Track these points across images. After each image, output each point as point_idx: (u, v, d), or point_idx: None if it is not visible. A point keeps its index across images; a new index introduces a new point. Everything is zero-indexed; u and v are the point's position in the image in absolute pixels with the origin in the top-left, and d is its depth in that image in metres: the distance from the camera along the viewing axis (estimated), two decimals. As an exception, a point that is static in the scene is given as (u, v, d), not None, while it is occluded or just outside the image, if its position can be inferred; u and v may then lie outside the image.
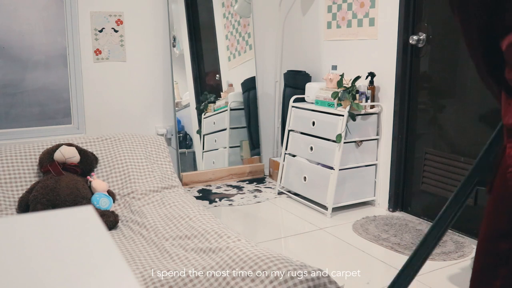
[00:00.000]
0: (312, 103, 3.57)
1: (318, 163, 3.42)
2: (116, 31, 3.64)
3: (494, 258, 0.86)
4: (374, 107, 3.37)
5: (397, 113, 3.25)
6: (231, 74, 4.17)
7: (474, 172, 1.10)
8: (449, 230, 2.99)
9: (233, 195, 3.74)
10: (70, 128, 3.61)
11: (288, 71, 4.03)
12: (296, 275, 1.70)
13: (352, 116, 3.19)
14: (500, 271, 0.84)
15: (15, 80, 3.43)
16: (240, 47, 4.17)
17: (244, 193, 3.79)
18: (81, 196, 2.60)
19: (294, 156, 3.65)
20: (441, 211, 1.10)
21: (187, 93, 4.00)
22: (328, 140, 3.32)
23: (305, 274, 1.71)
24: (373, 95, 3.33)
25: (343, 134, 3.19)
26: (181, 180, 3.87)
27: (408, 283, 1.11)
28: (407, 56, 3.19)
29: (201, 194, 3.74)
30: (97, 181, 2.74)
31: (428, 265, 2.54)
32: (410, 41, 3.11)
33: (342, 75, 3.34)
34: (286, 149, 3.71)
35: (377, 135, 3.41)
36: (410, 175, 3.30)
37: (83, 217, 0.78)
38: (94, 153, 3.01)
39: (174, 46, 3.89)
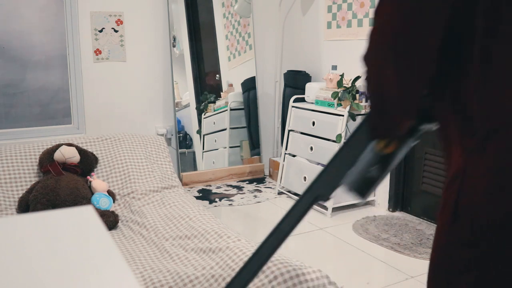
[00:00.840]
0: (312, 103, 3.57)
1: (318, 163, 3.42)
2: (116, 31, 3.64)
3: (457, 265, 0.84)
4: (374, 107, 3.36)
5: (397, 113, 3.25)
6: (231, 74, 4.17)
7: (316, 185, 1.03)
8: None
9: (233, 195, 3.74)
10: (70, 128, 3.61)
11: (288, 71, 4.03)
12: (296, 275, 1.70)
13: (352, 116, 3.19)
14: (464, 278, 0.83)
15: (15, 80, 3.43)
16: (240, 47, 4.17)
17: (244, 193, 3.79)
18: (81, 196, 2.60)
19: (294, 156, 3.65)
20: (277, 223, 1.03)
21: (187, 93, 4.01)
22: (328, 140, 3.32)
23: (305, 274, 1.71)
24: (373, 95, 3.33)
25: (343, 134, 3.19)
26: (181, 180, 3.87)
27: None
28: (407, 56, 3.18)
29: (201, 194, 3.74)
30: (97, 181, 2.74)
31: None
32: (410, 41, 3.11)
33: (342, 75, 3.34)
34: (286, 149, 3.72)
35: (377, 135, 3.41)
36: (410, 175, 3.30)
37: (83, 217, 0.78)
38: (94, 153, 3.01)
39: (174, 46, 3.89)
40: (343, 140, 3.20)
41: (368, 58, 0.91)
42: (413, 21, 0.82)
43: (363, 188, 0.99)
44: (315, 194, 1.03)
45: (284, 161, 3.73)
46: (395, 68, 0.85)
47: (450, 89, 0.86)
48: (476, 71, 0.80)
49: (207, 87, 4.10)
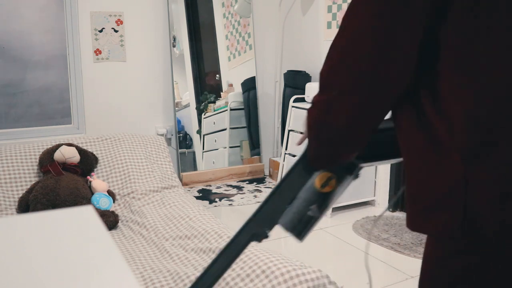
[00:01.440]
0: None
1: (318, 163, 3.41)
2: (116, 31, 3.64)
3: (452, 276, 0.82)
4: (374, 107, 3.37)
5: (397, 113, 3.25)
6: (231, 74, 4.17)
7: (253, 223, 0.97)
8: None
9: (233, 195, 3.74)
10: (70, 128, 3.61)
11: (288, 71, 4.03)
12: (296, 275, 1.70)
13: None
14: (461, 285, 0.81)
15: (15, 80, 3.43)
16: (240, 47, 4.17)
17: (244, 193, 3.79)
18: (81, 196, 2.60)
19: (294, 156, 3.65)
20: (212, 261, 0.99)
21: (187, 93, 4.00)
22: (328, 140, 3.32)
23: (305, 274, 1.71)
24: (373, 95, 3.33)
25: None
26: (181, 180, 3.87)
27: None
28: (407, 56, 3.19)
29: (201, 194, 3.74)
30: (97, 181, 2.74)
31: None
32: (410, 41, 3.11)
33: (342, 75, 3.33)
34: (286, 149, 3.71)
35: (377, 135, 3.41)
36: (410, 175, 3.30)
37: (83, 217, 0.78)
38: (94, 153, 3.01)
39: (174, 46, 3.89)
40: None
41: (331, 78, 0.82)
42: (390, 36, 0.74)
43: (301, 228, 0.94)
44: (251, 233, 0.99)
45: (284, 161, 3.73)
46: (364, 94, 0.78)
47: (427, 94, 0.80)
48: (456, 72, 0.76)
49: (207, 87, 4.10)
